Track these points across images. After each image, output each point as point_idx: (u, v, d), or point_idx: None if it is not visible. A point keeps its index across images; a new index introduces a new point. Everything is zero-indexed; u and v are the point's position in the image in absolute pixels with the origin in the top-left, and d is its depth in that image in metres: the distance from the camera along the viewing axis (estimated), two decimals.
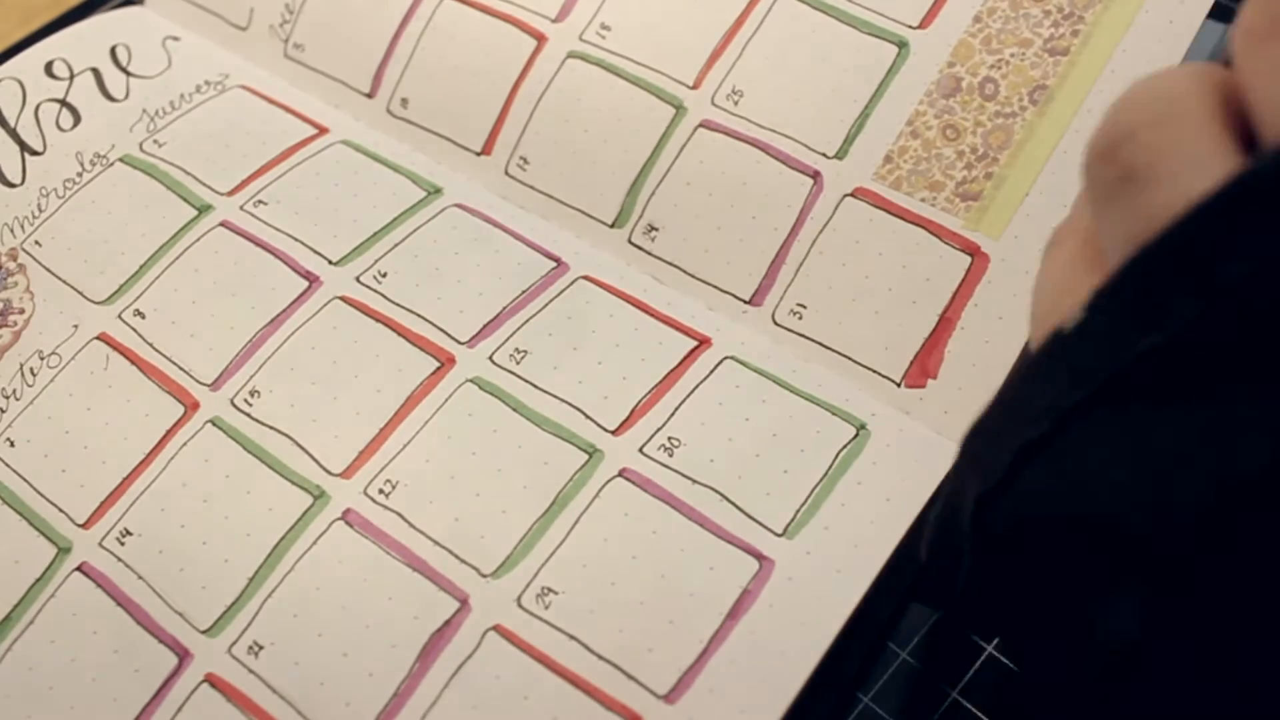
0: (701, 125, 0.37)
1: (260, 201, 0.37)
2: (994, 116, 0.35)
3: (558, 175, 0.37)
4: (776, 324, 0.35)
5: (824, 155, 0.36)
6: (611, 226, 0.37)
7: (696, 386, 0.33)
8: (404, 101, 0.40)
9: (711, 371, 0.34)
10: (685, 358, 0.34)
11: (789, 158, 0.36)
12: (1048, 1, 0.36)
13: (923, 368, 0.33)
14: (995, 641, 0.33)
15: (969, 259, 0.34)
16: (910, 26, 0.37)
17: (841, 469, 0.32)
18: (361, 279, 0.35)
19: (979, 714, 0.32)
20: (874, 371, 0.34)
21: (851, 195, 0.35)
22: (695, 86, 0.37)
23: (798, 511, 0.31)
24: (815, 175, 0.36)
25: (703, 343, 0.34)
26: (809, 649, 0.29)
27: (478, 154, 0.38)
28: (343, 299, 0.35)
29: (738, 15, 0.38)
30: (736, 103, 0.37)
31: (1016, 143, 0.35)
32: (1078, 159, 0.32)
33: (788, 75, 0.37)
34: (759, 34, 0.37)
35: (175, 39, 0.42)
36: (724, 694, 0.28)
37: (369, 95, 0.40)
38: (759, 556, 0.30)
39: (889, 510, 0.31)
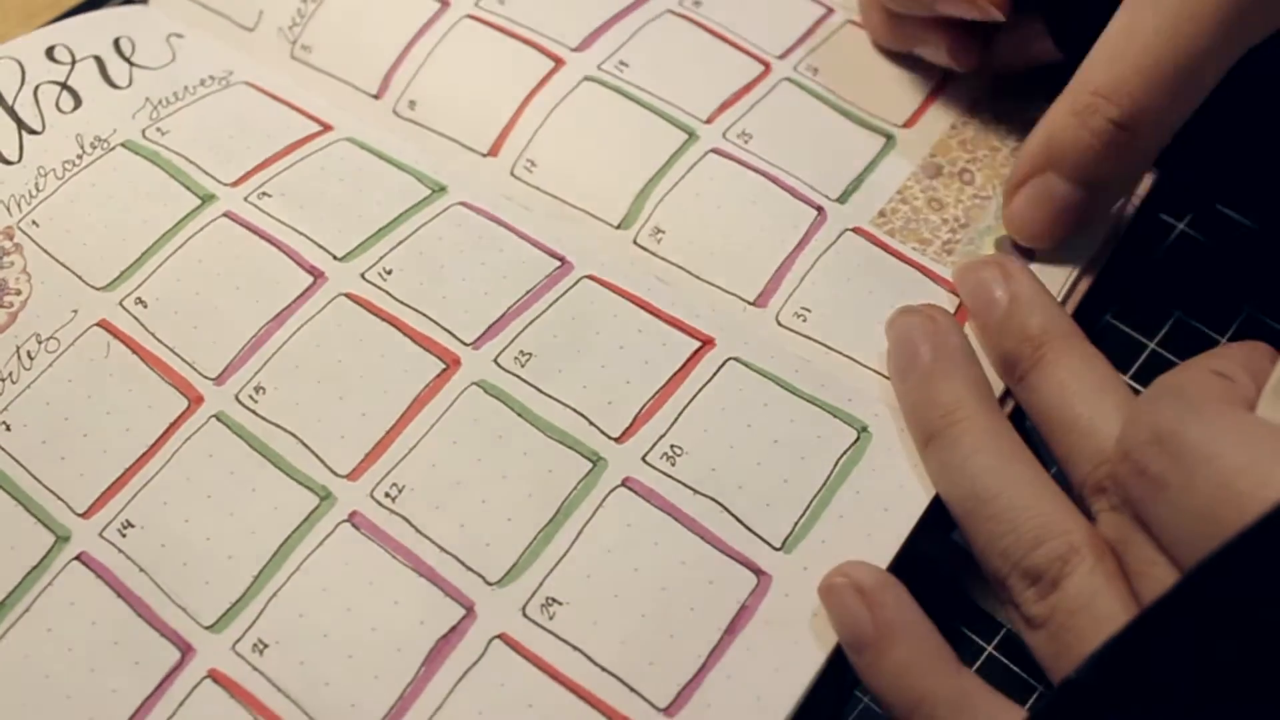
0: (712, 151, 0.38)
1: (265, 193, 0.37)
2: (972, 198, 0.38)
3: (565, 179, 0.38)
4: (780, 325, 0.35)
5: (826, 197, 0.38)
6: (618, 228, 0.37)
7: (699, 390, 0.34)
8: (411, 103, 0.40)
9: (714, 374, 0.34)
10: (689, 360, 0.34)
11: (794, 190, 0.38)
12: (1015, 120, 0.40)
13: None
14: (995, 641, 0.33)
15: (957, 300, 0.36)
16: (896, 125, 0.40)
17: (841, 477, 0.32)
18: (366, 275, 0.36)
19: None
20: (876, 372, 0.34)
21: (852, 231, 0.37)
22: (708, 122, 0.39)
23: (796, 524, 0.32)
24: (819, 209, 0.37)
25: (706, 343, 0.35)
26: (804, 666, 0.30)
27: (484, 155, 0.39)
28: (348, 295, 0.35)
29: (747, 82, 0.40)
30: (746, 142, 0.38)
31: (993, 219, 0.38)
32: None
33: (791, 137, 0.39)
34: (766, 100, 0.40)
35: (180, 36, 0.42)
36: (721, 708, 0.29)
37: (376, 96, 0.40)
38: (757, 571, 0.31)
39: (886, 521, 0.32)
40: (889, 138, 0.39)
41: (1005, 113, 0.40)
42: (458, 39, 0.40)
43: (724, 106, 0.39)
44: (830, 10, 0.42)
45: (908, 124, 0.40)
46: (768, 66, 0.40)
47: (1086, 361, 0.32)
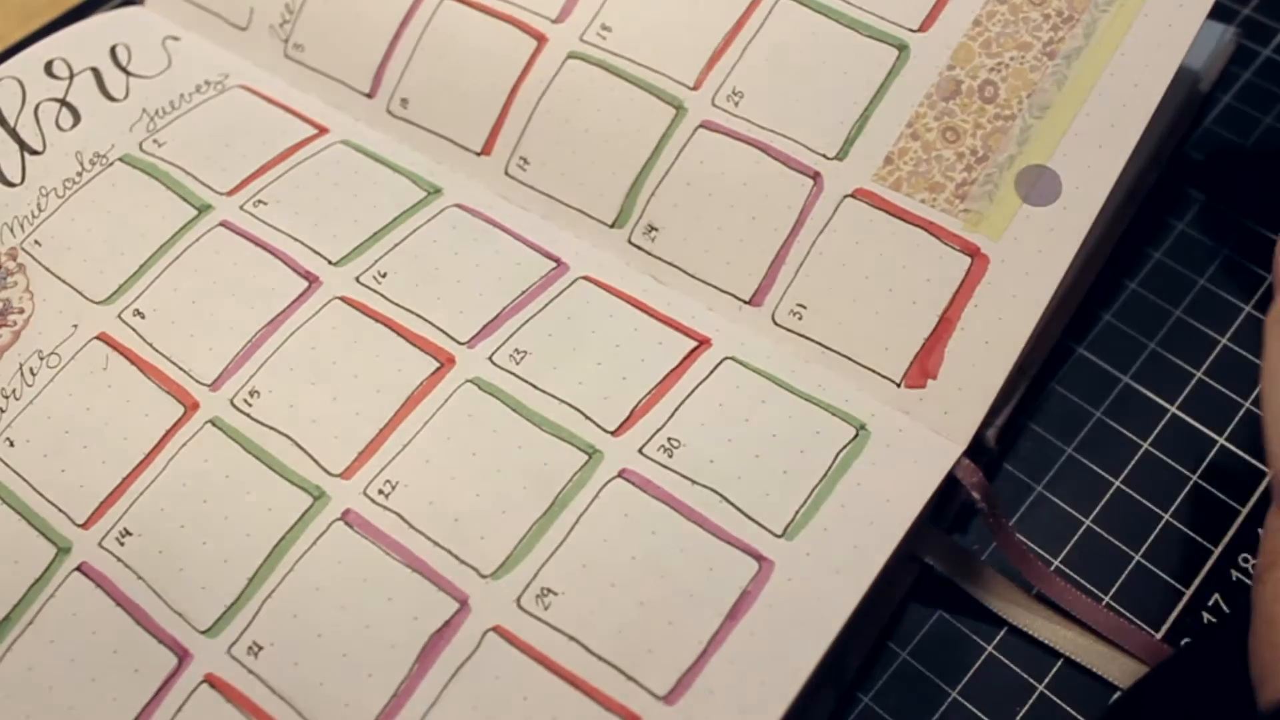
0: (702, 126, 0.37)
1: (260, 201, 0.37)
2: (993, 119, 0.35)
3: (558, 175, 0.37)
4: (776, 324, 0.35)
5: (824, 156, 0.36)
6: (611, 227, 0.37)
7: (696, 387, 0.33)
8: (404, 102, 0.40)
9: (711, 372, 0.34)
10: (685, 358, 0.34)
11: (789, 158, 0.36)
12: (1047, 5, 0.36)
13: (923, 368, 0.33)
14: (995, 641, 0.33)
15: (969, 260, 0.34)
16: (910, 29, 0.37)
17: (841, 470, 0.32)
18: (361, 279, 0.35)
19: (979, 714, 0.32)
20: (874, 372, 0.34)
21: (851, 196, 0.35)
22: (696, 87, 0.37)
23: (797, 512, 0.31)
24: (815, 176, 0.36)
25: (702, 343, 0.34)
26: (808, 650, 0.29)
27: (478, 154, 0.38)
28: (343, 299, 0.35)
29: (738, 18, 0.38)
30: (737, 104, 0.37)
31: (1016, 146, 0.35)
32: (1076, 160, 0.32)
33: (788, 77, 0.37)
34: (759, 36, 0.37)
35: (175, 39, 0.42)
36: (723, 695, 0.28)
37: (369, 95, 0.40)
38: (758, 557, 0.30)
39: (888, 511, 0.31)
40: (901, 48, 0.36)
41: None
42: (441, 26, 0.40)
43: (715, 57, 0.37)
44: None
45: (923, 26, 0.36)
46: None
47: None
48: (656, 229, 0.36)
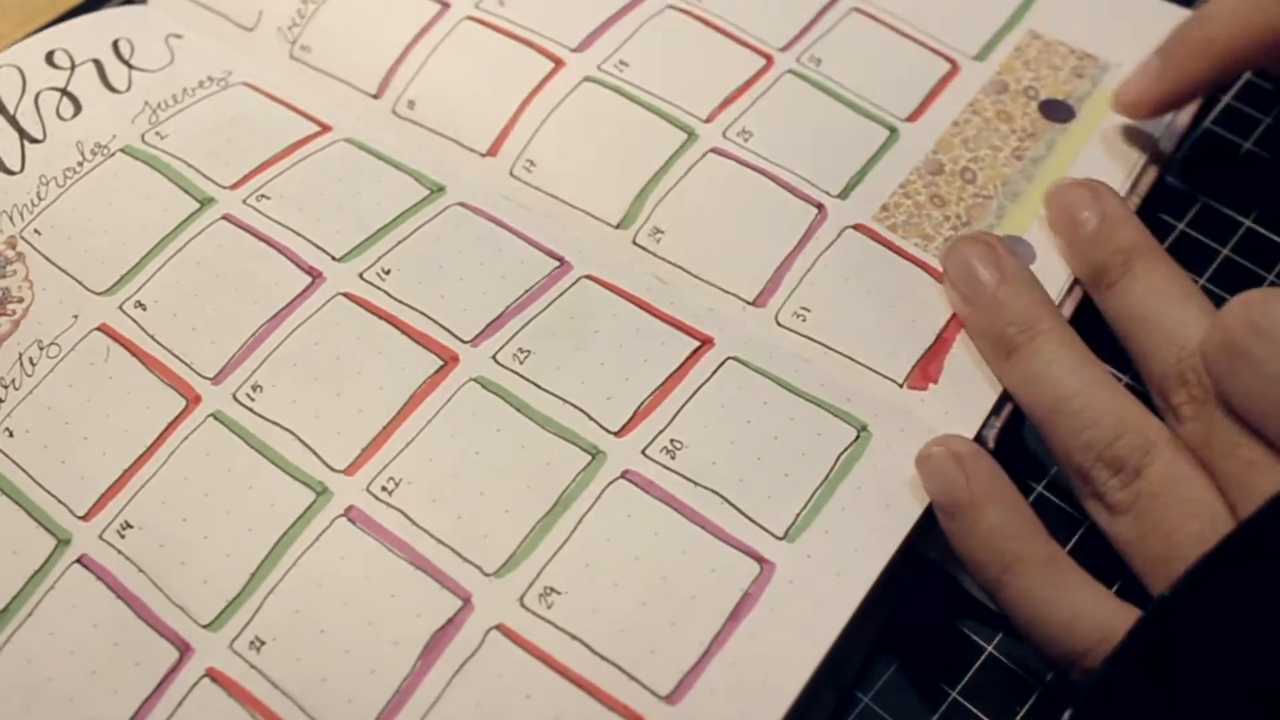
0: (712, 151, 0.38)
1: (263, 195, 0.37)
2: (974, 196, 0.38)
3: (564, 179, 0.38)
4: (780, 324, 0.35)
5: (827, 193, 0.37)
6: (617, 227, 0.37)
7: (699, 388, 0.33)
8: (410, 103, 0.40)
9: (714, 373, 0.34)
10: (688, 358, 0.34)
11: (794, 188, 0.37)
12: (1013, 122, 0.40)
13: (924, 372, 0.34)
14: (995, 641, 0.33)
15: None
16: (899, 118, 0.40)
17: (842, 473, 0.32)
18: (365, 275, 0.35)
19: (979, 714, 0.32)
20: (876, 373, 0.34)
21: (852, 228, 0.37)
22: (708, 120, 0.39)
23: (798, 515, 0.31)
24: (819, 206, 0.37)
25: (705, 343, 0.34)
26: (809, 652, 0.29)
27: (483, 155, 0.39)
28: (346, 295, 0.35)
29: (748, 77, 0.40)
30: (746, 140, 0.38)
31: (994, 218, 0.37)
32: (1047, 237, 0.37)
33: (793, 131, 0.39)
34: (768, 95, 0.40)
35: (178, 36, 0.42)
36: (725, 695, 0.29)
37: (375, 96, 0.40)
38: (760, 559, 0.30)
39: (889, 514, 0.31)
40: (892, 130, 0.39)
41: (1006, 114, 0.40)
42: (458, 40, 0.40)
43: (725, 104, 0.39)
44: None
45: (911, 118, 0.39)
46: (770, 60, 0.40)
47: (1173, 272, 0.33)
48: (662, 232, 0.36)
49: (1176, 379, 0.31)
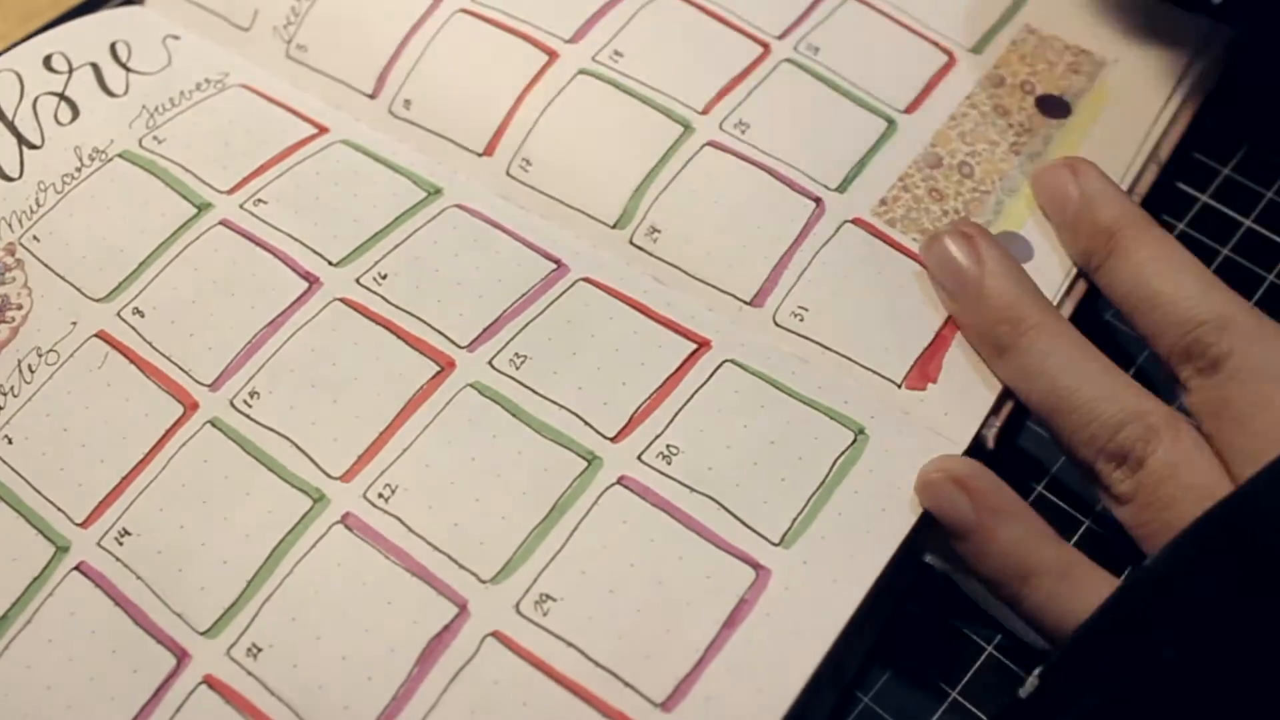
0: (709, 144, 0.37)
1: (260, 200, 0.37)
2: (971, 190, 0.38)
3: (561, 177, 0.38)
4: (777, 325, 0.35)
5: (825, 187, 0.37)
6: (613, 227, 0.37)
7: (696, 392, 0.33)
8: (407, 103, 0.40)
9: (711, 375, 0.34)
10: (685, 361, 0.34)
11: (792, 182, 0.37)
12: (1010, 117, 0.39)
13: (923, 372, 0.34)
14: (995, 641, 0.33)
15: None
16: (897, 110, 0.39)
17: (838, 478, 0.32)
18: (361, 281, 0.35)
19: (979, 714, 0.32)
20: (874, 373, 0.34)
21: (851, 223, 0.37)
22: (704, 112, 0.38)
23: (794, 520, 0.31)
24: (818, 201, 0.37)
25: (702, 345, 0.34)
26: (805, 658, 0.29)
27: (479, 155, 0.38)
28: (343, 301, 0.35)
29: (745, 66, 0.40)
30: (743, 132, 0.38)
31: (992, 213, 0.37)
32: (1045, 233, 0.37)
33: (790, 123, 0.39)
34: (765, 85, 0.39)
35: (175, 38, 0.42)
36: (720, 702, 0.29)
37: (371, 95, 0.40)
38: (756, 566, 0.30)
39: (885, 519, 0.31)
40: (890, 122, 0.39)
41: (1003, 109, 0.39)
42: (452, 34, 0.40)
43: (721, 94, 0.39)
44: None
45: (910, 109, 0.39)
46: (767, 48, 0.40)
47: (1162, 243, 0.33)
48: (659, 231, 0.36)
49: (1181, 355, 0.32)
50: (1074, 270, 0.36)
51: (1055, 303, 0.35)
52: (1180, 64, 0.40)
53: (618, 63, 0.39)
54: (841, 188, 0.37)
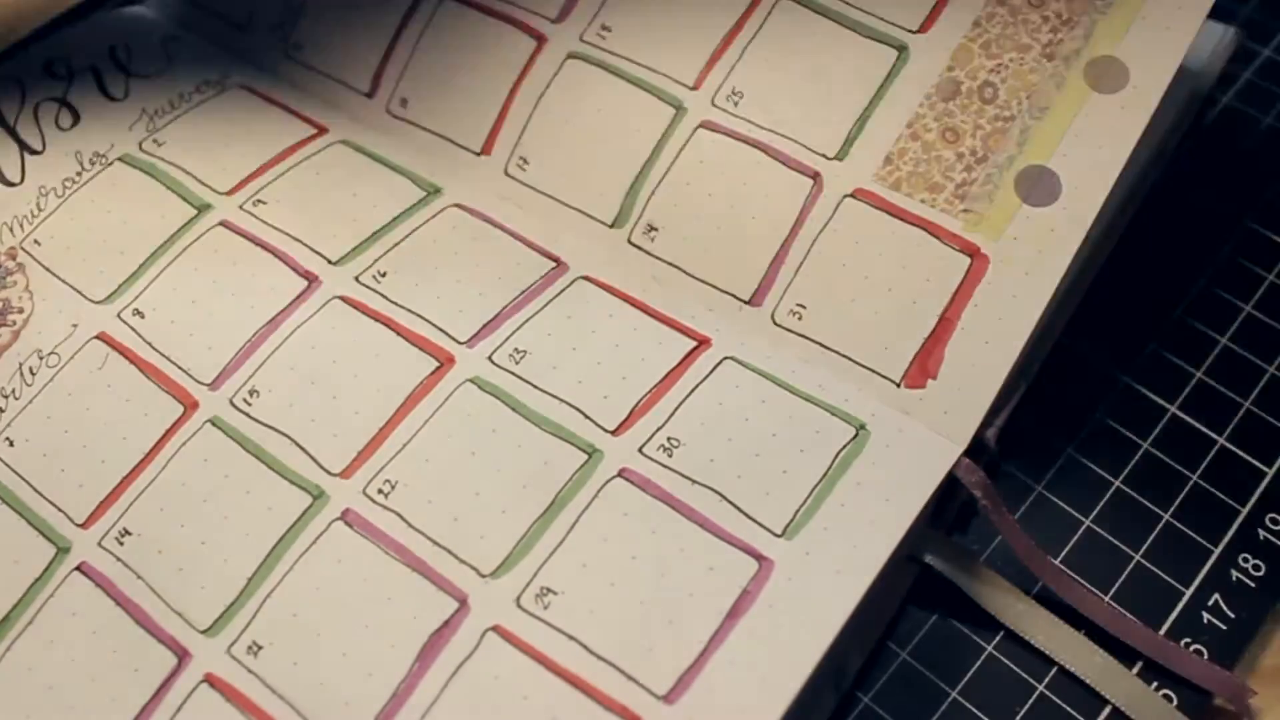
0: (702, 126, 0.37)
1: (260, 200, 0.37)
2: (993, 120, 0.35)
3: (557, 175, 0.37)
4: (776, 324, 0.35)
5: (824, 156, 0.36)
6: (611, 226, 0.37)
7: (696, 387, 0.33)
8: (404, 102, 0.40)
9: (711, 372, 0.34)
10: (685, 358, 0.34)
11: (788, 158, 0.36)
12: (1045, 8, 0.36)
13: (922, 368, 0.33)
14: (995, 641, 0.33)
15: (968, 260, 0.34)
16: (910, 31, 0.36)
17: (840, 470, 0.32)
18: (361, 279, 0.35)
19: (979, 714, 0.32)
20: (874, 372, 0.34)
21: (851, 196, 0.35)
22: (696, 87, 0.37)
23: (797, 512, 0.31)
24: (815, 176, 0.35)
25: (702, 343, 0.34)
26: (808, 649, 0.29)
27: (477, 154, 0.38)
28: (342, 298, 0.35)
29: (738, 17, 0.38)
30: (736, 104, 0.37)
31: (1015, 146, 0.35)
32: (1075, 161, 0.32)
33: (788, 77, 0.37)
34: (759, 36, 0.37)
35: (175, 39, 0.42)
36: (724, 694, 0.28)
37: (369, 95, 0.40)
38: (758, 557, 0.30)
39: (888, 511, 0.31)
40: (901, 49, 0.36)
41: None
42: (441, 25, 0.40)
43: (713, 60, 0.37)
44: None
45: (923, 28, 0.36)
46: None
47: None
48: (656, 229, 0.36)
49: None
50: (1102, 204, 0.33)
51: (1083, 237, 0.33)
52: None
53: (606, 39, 0.38)
54: (842, 153, 0.35)
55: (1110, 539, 0.34)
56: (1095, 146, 0.34)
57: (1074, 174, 0.34)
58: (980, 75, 0.36)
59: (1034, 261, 0.34)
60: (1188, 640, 0.33)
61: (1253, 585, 0.33)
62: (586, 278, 0.36)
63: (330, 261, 0.36)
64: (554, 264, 0.36)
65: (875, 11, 0.37)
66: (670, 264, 0.36)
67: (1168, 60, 0.35)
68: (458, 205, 0.37)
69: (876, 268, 0.34)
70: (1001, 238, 0.34)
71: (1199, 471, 0.35)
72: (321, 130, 0.39)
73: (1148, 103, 0.35)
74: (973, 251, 0.34)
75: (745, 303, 0.35)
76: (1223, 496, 0.35)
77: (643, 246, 0.36)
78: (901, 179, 0.35)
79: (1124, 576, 0.34)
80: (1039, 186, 0.34)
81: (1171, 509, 0.35)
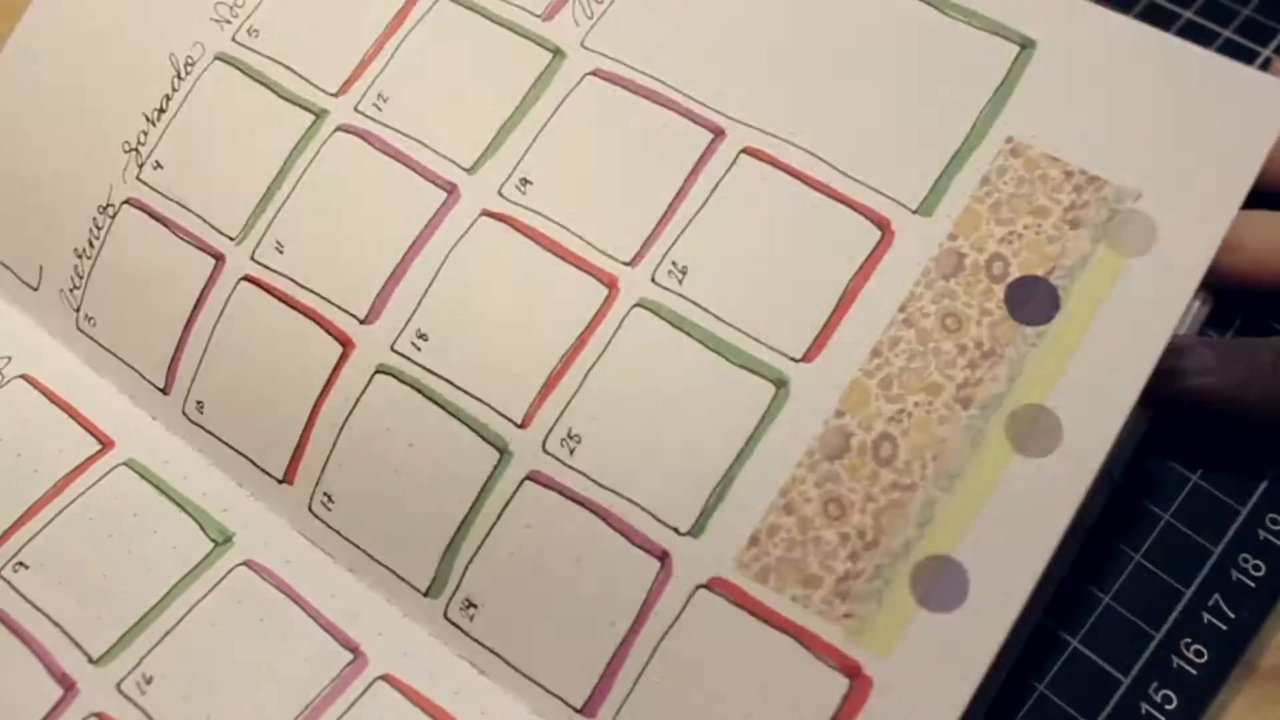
0: (529, 479, 0.30)
1: (20, 564, 0.31)
2: (888, 489, 0.28)
3: (366, 521, 0.32)
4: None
5: (676, 531, 0.29)
6: (425, 595, 0.30)
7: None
8: (199, 405, 0.33)
9: None
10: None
11: (633, 530, 0.29)
12: (963, 334, 0.28)
13: None
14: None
15: (848, 682, 0.27)
16: (791, 358, 0.29)
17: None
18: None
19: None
20: None
21: (706, 587, 0.28)
22: (524, 425, 0.30)
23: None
24: (663, 556, 0.29)
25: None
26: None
27: (279, 481, 0.32)
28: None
29: (579, 334, 0.31)
30: (573, 450, 0.30)
31: (915, 526, 0.27)
32: (988, 552, 0.27)
33: (634, 425, 0.30)
34: (596, 369, 0.31)
35: None
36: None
37: (164, 391, 0.34)
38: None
39: None
40: (780, 384, 0.29)
41: (956, 318, 0.29)
42: (237, 315, 0.34)
43: (545, 393, 0.30)
44: None
45: (808, 355, 0.29)
46: (614, 285, 0.31)
47: None
48: (475, 605, 0.30)
49: None
50: (1021, 607, 0.27)
51: (996, 650, 0.26)
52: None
53: (421, 352, 0.31)
54: (698, 528, 0.29)
55: (1110, 539, 0.34)
56: (1014, 533, 0.27)
57: (985, 569, 0.27)
58: (876, 425, 0.28)
59: (930, 688, 0.26)
60: (1188, 640, 0.32)
61: (1253, 585, 0.33)
62: (387, 677, 0.30)
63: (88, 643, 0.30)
64: (351, 656, 0.30)
65: (752, 333, 0.30)
66: (490, 650, 0.30)
67: (1112, 416, 0.27)
68: (248, 563, 0.32)
69: (734, 683, 0.28)
70: (891, 654, 0.27)
71: (1199, 472, 0.35)
72: (107, 445, 0.34)
73: (1086, 468, 0.27)
74: (853, 671, 0.27)
75: (577, 711, 0.29)
76: (1222, 496, 0.35)
77: (460, 625, 0.30)
78: (770, 567, 0.28)
79: (1124, 576, 0.33)
80: (941, 585, 0.27)
81: (1171, 509, 0.34)
